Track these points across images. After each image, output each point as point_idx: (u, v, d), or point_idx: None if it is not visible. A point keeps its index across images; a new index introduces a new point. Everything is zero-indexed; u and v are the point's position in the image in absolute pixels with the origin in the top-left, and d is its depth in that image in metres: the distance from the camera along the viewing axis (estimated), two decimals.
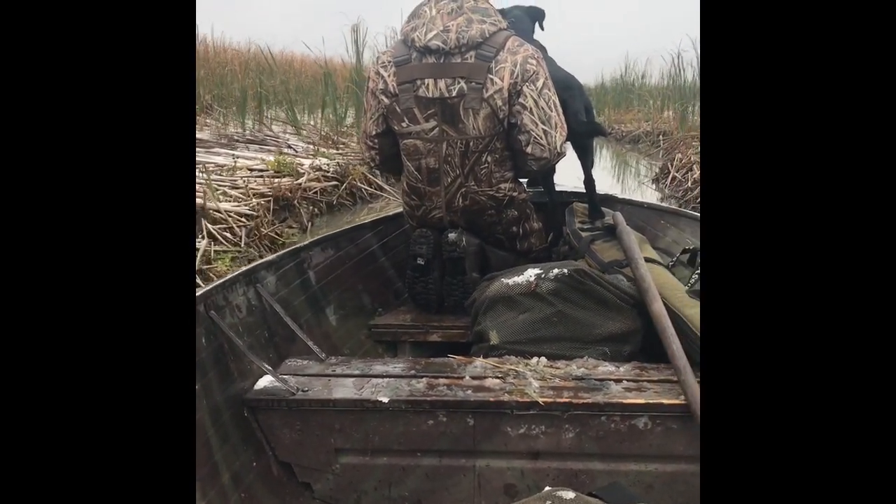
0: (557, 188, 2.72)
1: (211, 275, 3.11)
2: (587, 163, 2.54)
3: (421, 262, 2.14)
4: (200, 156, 5.07)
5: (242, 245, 3.68)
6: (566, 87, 2.31)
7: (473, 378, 1.54)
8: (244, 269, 1.82)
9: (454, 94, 1.98)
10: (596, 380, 1.51)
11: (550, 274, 1.78)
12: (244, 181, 4.52)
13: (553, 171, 2.51)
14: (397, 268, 2.47)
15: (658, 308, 1.65)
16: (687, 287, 1.83)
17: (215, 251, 3.47)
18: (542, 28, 2.64)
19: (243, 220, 3.88)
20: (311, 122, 8.04)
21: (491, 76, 1.97)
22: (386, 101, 2.07)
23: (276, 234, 4.05)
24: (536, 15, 2.61)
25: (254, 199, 4.22)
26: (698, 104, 8.75)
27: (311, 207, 4.82)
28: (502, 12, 2.47)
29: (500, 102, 1.98)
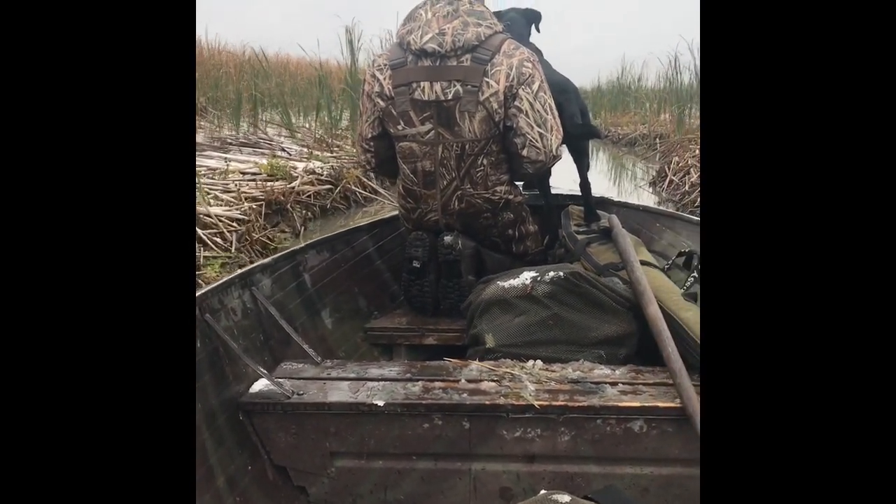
0: (553, 191, 2.72)
1: (200, 281, 3.08)
2: (583, 166, 2.55)
3: (417, 264, 2.13)
4: None
5: (233, 250, 3.64)
6: (562, 90, 2.31)
7: (469, 381, 1.54)
8: (239, 271, 1.81)
9: (450, 97, 1.98)
10: (592, 383, 1.51)
11: (546, 277, 1.78)
12: (236, 185, 4.48)
13: (549, 173, 2.52)
14: (393, 271, 2.46)
15: (654, 311, 1.65)
16: (682, 290, 1.83)
17: (205, 257, 3.44)
18: (539, 30, 2.64)
19: (234, 224, 3.84)
20: (306, 125, 8.04)
21: (487, 79, 1.97)
22: (382, 103, 2.06)
23: (268, 238, 4.01)
24: (532, 17, 2.61)
25: (245, 204, 4.19)
26: (695, 107, 8.79)
27: (304, 211, 4.79)
28: (498, 14, 2.48)
29: (495, 105, 1.98)
